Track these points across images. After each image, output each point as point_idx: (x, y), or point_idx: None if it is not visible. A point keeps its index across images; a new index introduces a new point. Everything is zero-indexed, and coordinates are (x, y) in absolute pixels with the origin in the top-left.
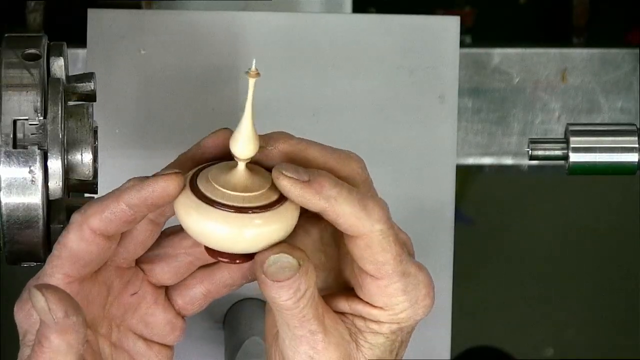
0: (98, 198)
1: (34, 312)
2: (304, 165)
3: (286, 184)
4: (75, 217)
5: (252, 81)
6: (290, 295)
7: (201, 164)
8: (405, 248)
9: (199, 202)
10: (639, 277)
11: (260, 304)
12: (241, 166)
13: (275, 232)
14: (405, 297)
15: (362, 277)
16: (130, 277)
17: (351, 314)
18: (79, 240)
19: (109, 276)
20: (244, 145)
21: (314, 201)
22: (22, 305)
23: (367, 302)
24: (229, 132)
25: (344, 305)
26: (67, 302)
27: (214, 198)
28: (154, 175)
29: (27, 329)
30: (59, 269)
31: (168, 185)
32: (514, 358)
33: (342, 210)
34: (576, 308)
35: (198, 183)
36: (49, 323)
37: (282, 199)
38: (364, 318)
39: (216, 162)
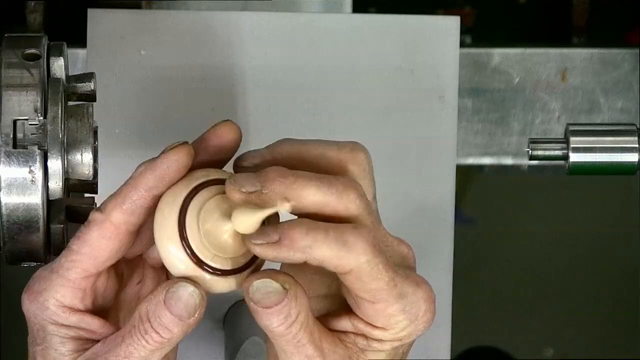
0: (113, 194)
1: (49, 304)
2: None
3: (259, 251)
4: (96, 215)
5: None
6: (281, 321)
7: (199, 158)
8: (402, 267)
9: (188, 260)
10: (639, 277)
11: None
12: (233, 231)
13: None
14: (405, 315)
15: (359, 301)
16: (135, 265)
17: (353, 333)
18: (100, 237)
19: (121, 268)
20: (244, 227)
21: (292, 257)
22: (35, 296)
23: (368, 322)
24: (233, 128)
25: (346, 323)
26: (205, 300)
27: (203, 259)
28: (162, 153)
29: (44, 320)
30: (77, 263)
31: (180, 157)
32: (514, 358)
33: (321, 255)
34: (576, 308)
35: (188, 228)
36: (184, 317)
37: None
38: (365, 336)
39: (211, 177)
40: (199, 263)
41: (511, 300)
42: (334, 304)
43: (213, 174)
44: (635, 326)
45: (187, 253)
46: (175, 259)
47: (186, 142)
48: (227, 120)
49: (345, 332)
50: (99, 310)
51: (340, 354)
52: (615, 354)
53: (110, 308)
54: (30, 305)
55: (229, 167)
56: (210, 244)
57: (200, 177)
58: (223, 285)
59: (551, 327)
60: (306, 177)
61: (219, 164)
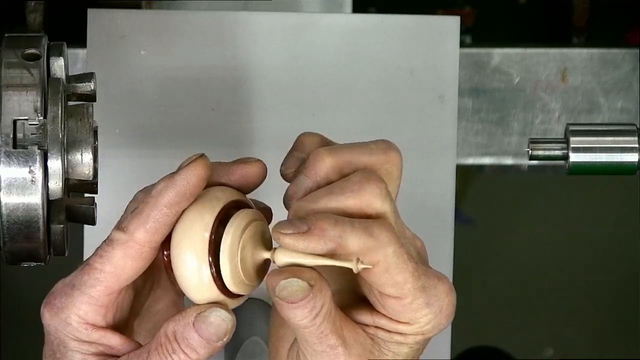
0: (135, 212)
1: (72, 320)
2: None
3: (289, 242)
4: (119, 236)
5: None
6: (305, 315)
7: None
8: (420, 259)
9: (214, 286)
10: (639, 277)
11: (261, 304)
12: (263, 260)
13: None
14: (429, 309)
15: (383, 299)
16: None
17: (374, 327)
18: (125, 257)
19: (136, 281)
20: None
21: (321, 247)
22: (56, 311)
23: (392, 318)
24: (260, 168)
25: (367, 318)
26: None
27: (231, 286)
28: (180, 169)
29: (66, 337)
30: (101, 282)
31: (199, 171)
32: (514, 358)
33: (351, 246)
34: (576, 308)
35: (223, 253)
36: (213, 341)
37: None
38: (388, 330)
39: (234, 198)
40: (225, 289)
41: (511, 300)
42: (352, 298)
43: (233, 195)
44: (635, 326)
45: (215, 278)
46: (201, 284)
47: (203, 155)
48: (256, 160)
49: (366, 325)
50: (117, 323)
51: (361, 342)
52: (615, 354)
53: (128, 321)
54: (51, 320)
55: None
56: (243, 271)
57: (223, 197)
58: (234, 304)
59: (551, 327)
60: (348, 225)
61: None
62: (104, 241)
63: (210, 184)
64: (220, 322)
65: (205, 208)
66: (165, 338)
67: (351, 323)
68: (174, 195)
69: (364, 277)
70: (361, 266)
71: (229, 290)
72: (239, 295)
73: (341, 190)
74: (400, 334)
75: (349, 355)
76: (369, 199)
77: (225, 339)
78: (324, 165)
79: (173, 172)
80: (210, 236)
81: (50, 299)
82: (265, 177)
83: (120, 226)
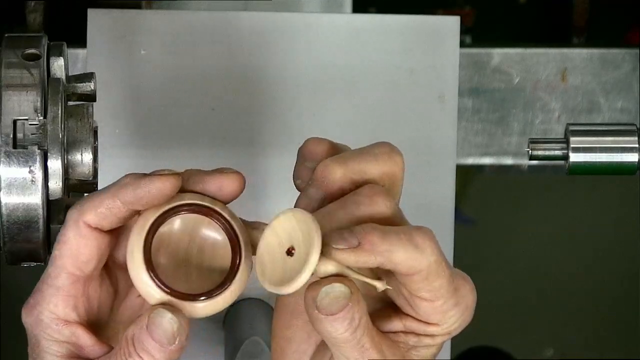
0: (94, 192)
1: (44, 316)
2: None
3: (341, 257)
4: (71, 214)
5: None
6: (346, 327)
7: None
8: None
9: (157, 289)
10: (639, 277)
11: (261, 304)
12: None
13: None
14: (457, 309)
15: (414, 302)
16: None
17: (403, 332)
18: (77, 236)
19: (114, 279)
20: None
21: (372, 261)
22: (29, 310)
23: (422, 320)
24: (238, 183)
25: (397, 324)
26: (188, 325)
27: (174, 287)
28: (151, 174)
29: (39, 335)
30: (61, 268)
31: (165, 186)
32: (514, 358)
33: (398, 259)
34: (576, 308)
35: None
36: (164, 344)
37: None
38: (417, 334)
39: (185, 200)
40: (171, 291)
41: (511, 300)
42: (374, 306)
43: (187, 198)
44: (635, 326)
45: (156, 281)
46: (147, 287)
47: (176, 174)
48: (234, 171)
49: (395, 332)
50: (95, 322)
51: (398, 355)
52: (615, 354)
53: (108, 320)
54: (27, 319)
55: None
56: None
57: (173, 201)
58: (208, 309)
59: (551, 327)
60: (395, 238)
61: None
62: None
63: (186, 191)
64: (167, 324)
65: (151, 213)
66: (125, 342)
67: (384, 336)
68: (131, 196)
69: (400, 281)
70: (385, 287)
71: (186, 294)
72: (206, 294)
73: (355, 202)
74: (430, 336)
75: None
76: (379, 209)
77: (177, 342)
78: (336, 177)
79: (143, 174)
80: (145, 242)
81: (28, 299)
82: (243, 188)
83: (76, 204)
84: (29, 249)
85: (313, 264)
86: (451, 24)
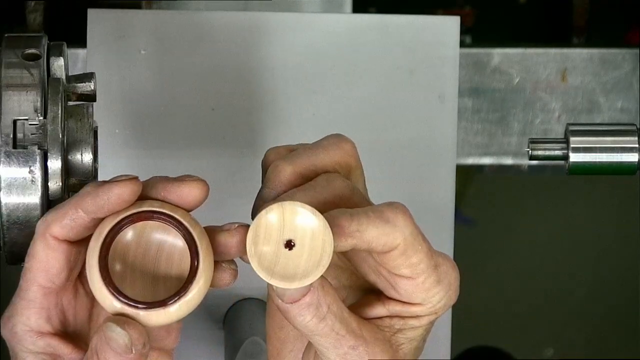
0: (59, 204)
1: (17, 329)
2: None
3: None
4: (38, 227)
5: None
6: (313, 313)
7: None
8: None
9: (113, 299)
10: (639, 277)
11: (261, 304)
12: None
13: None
14: (440, 287)
15: (395, 281)
16: None
17: (388, 317)
18: (46, 249)
19: (89, 287)
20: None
21: (343, 245)
22: (5, 322)
23: (405, 302)
24: (198, 188)
25: (380, 310)
26: (144, 334)
27: (129, 296)
28: (110, 181)
29: (15, 347)
30: (32, 282)
31: (123, 192)
32: (514, 358)
33: (370, 236)
34: (576, 308)
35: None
36: (123, 354)
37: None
38: (402, 317)
39: (143, 208)
40: (126, 300)
41: (511, 300)
42: (356, 294)
43: (146, 205)
44: (635, 326)
45: (111, 291)
46: (103, 297)
47: (135, 178)
48: (195, 179)
49: (380, 318)
50: (73, 332)
51: (381, 339)
52: (615, 354)
53: (86, 329)
54: (3, 331)
55: None
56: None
57: (131, 209)
58: (161, 318)
59: (551, 327)
60: (363, 216)
61: None
62: None
63: (148, 199)
64: (117, 337)
65: (108, 222)
66: (90, 351)
67: (367, 322)
68: (92, 205)
69: (378, 261)
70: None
71: (140, 302)
72: (161, 303)
73: (312, 187)
74: (415, 317)
75: (373, 353)
76: (339, 190)
77: (134, 351)
78: (285, 174)
79: (103, 181)
80: (101, 247)
81: (6, 311)
82: (207, 195)
83: (43, 217)
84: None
85: (312, 281)
86: (451, 24)
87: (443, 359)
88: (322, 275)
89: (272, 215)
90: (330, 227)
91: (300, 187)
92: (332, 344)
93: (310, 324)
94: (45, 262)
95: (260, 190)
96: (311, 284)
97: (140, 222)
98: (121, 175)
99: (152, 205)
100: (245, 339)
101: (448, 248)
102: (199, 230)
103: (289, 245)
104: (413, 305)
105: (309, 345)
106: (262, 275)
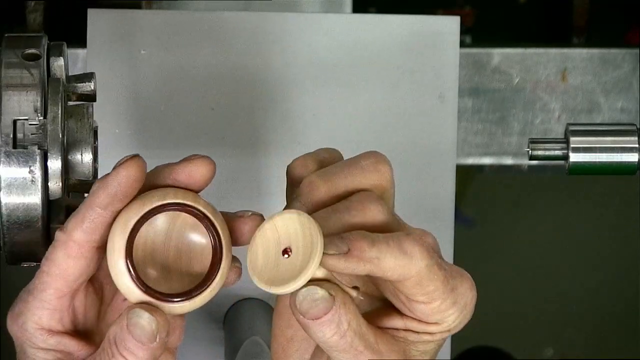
0: (74, 212)
1: (28, 326)
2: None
3: (331, 262)
4: (59, 235)
5: None
6: (334, 331)
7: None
8: (442, 260)
9: (138, 290)
10: (639, 277)
11: (261, 304)
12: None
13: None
14: (456, 307)
15: (411, 305)
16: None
17: (404, 330)
18: (66, 257)
19: (98, 285)
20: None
21: (360, 269)
22: (14, 318)
23: (421, 320)
24: (206, 167)
25: (398, 322)
26: (168, 323)
27: (155, 288)
28: (113, 169)
29: (24, 343)
30: (49, 285)
31: (130, 172)
32: (514, 358)
33: (387, 265)
34: (576, 308)
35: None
36: (145, 342)
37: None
38: (416, 332)
39: (167, 200)
40: (151, 292)
41: (511, 300)
42: (373, 304)
43: (171, 196)
44: (635, 326)
45: (137, 283)
46: (127, 288)
47: (136, 155)
48: (202, 157)
49: (396, 329)
50: (82, 330)
51: (396, 351)
52: (615, 354)
53: (96, 326)
54: (12, 327)
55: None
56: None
57: (155, 199)
58: (183, 308)
59: (551, 327)
60: (384, 245)
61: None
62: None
63: (158, 186)
64: (145, 324)
65: (132, 211)
66: (107, 343)
67: (383, 334)
68: (105, 197)
69: (395, 287)
70: (359, 297)
71: (165, 294)
72: (185, 294)
73: (347, 209)
74: (429, 333)
75: None
76: (372, 215)
77: (157, 341)
78: (319, 194)
79: (107, 174)
80: (128, 237)
81: (12, 306)
82: (214, 172)
83: (61, 226)
84: (29, 249)
85: (310, 274)
86: (451, 24)
87: (443, 359)
88: (343, 290)
89: (266, 232)
90: (350, 249)
91: (334, 208)
92: (349, 358)
93: (330, 340)
94: (64, 270)
95: (292, 201)
96: (331, 301)
97: (164, 214)
98: (122, 158)
99: (176, 196)
100: (245, 339)
101: (448, 248)
102: (221, 222)
103: (286, 252)
104: (429, 325)
105: (318, 348)
106: (274, 291)
